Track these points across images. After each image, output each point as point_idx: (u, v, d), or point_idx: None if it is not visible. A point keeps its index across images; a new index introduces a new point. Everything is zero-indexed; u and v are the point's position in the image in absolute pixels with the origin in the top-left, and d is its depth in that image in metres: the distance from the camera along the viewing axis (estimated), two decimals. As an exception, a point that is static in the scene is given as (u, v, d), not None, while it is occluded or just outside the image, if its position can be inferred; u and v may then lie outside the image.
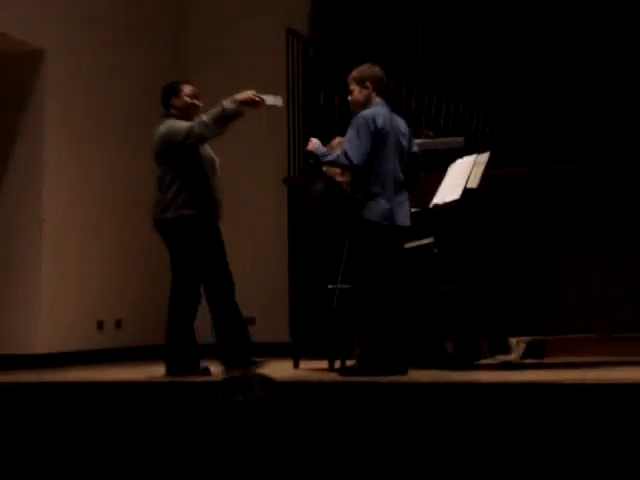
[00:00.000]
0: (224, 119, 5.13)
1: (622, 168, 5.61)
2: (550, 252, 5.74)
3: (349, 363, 5.44)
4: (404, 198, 5.27)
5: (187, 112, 5.33)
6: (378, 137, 5.13)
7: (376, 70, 5.35)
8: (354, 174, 5.26)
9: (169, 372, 5.36)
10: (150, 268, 8.12)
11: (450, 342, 5.70)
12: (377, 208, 5.12)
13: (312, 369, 5.76)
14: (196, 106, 5.36)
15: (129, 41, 7.96)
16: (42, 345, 6.84)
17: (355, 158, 5.10)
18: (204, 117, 5.15)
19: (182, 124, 5.23)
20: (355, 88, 5.30)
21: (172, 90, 5.40)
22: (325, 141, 5.58)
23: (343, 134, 5.41)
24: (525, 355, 5.63)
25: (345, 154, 5.12)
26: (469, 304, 5.59)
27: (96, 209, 7.51)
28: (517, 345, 5.60)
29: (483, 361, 5.72)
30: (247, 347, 5.35)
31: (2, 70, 7.03)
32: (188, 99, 5.35)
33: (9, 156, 6.99)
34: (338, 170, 5.75)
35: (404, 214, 5.24)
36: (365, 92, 5.27)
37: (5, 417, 4.56)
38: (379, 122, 5.14)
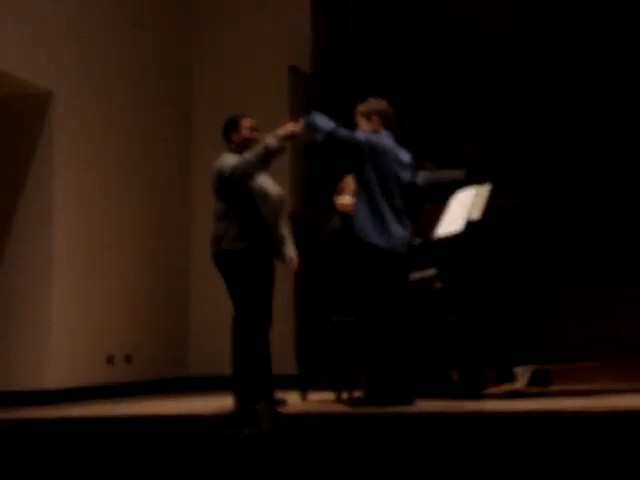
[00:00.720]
0: (267, 155, 5.30)
1: (623, 198, 5.68)
2: (552, 283, 5.80)
3: (356, 394, 5.49)
4: (404, 226, 5.35)
5: (247, 146, 5.46)
6: (377, 156, 5.24)
7: (383, 104, 5.48)
8: (358, 199, 5.32)
9: (240, 402, 5.34)
10: (159, 302, 8.20)
11: (456, 372, 5.74)
12: (377, 234, 5.21)
13: (320, 400, 5.80)
14: (255, 139, 5.49)
15: (139, 80, 8.08)
16: (53, 380, 6.88)
17: (361, 136, 5.23)
18: (248, 155, 5.30)
19: (230, 160, 5.37)
20: (362, 122, 5.44)
21: (232, 125, 5.55)
22: (330, 179, 5.64)
23: (347, 171, 5.50)
24: (530, 383, 5.67)
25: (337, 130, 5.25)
26: (473, 334, 5.64)
27: (105, 247, 7.58)
28: (522, 374, 5.64)
29: (489, 390, 5.75)
30: (269, 386, 5.38)
31: (11, 112, 7.12)
32: (247, 133, 5.50)
33: (20, 196, 7.07)
34: (351, 202, 5.82)
35: (403, 242, 5.31)
36: (372, 125, 5.40)
37: (23, 454, 4.60)
38: (382, 145, 5.29)
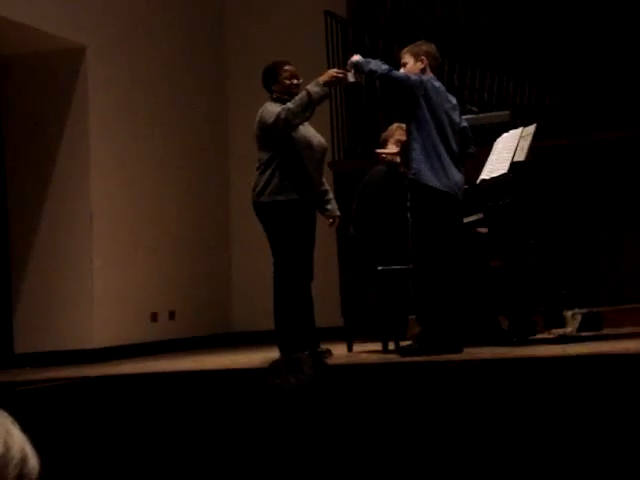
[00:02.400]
0: (311, 103, 5.22)
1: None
2: (602, 224, 5.66)
3: (403, 344, 5.41)
4: (460, 170, 5.24)
5: (289, 93, 5.39)
6: (429, 96, 5.13)
7: (432, 47, 5.40)
8: (412, 141, 5.22)
9: (284, 353, 5.33)
10: (202, 259, 8.17)
11: (504, 318, 5.63)
12: (434, 176, 5.11)
13: (366, 351, 5.74)
14: (297, 85, 5.42)
15: (171, 29, 7.98)
16: (98, 339, 6.90)
17: (414, 77, 5.12)
18: (290, 104, 5.22)
19: (273, 110, 5.28)
20: (410, 60, 5.32)
21: (270, 76, 5.47)
22: (369, 122, 5.55)
23: (386, 115, 5.39)
24: (581, 328, 5.55)
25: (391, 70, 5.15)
26: (521, 279, 5.52)
27: (147, 202, 7.55)
28: (572, 318, 5.52)
29: (539, 336, 5.65)
30: (312, 338, 5.38)
31: (44, 68, 7.07)
32: (287, 81, 5.42)
33: (56, 154, 7.04)
34: (396, 150, 5.75)
35: (459, 186, 5.21)
36: (420, 65, 5.29)
37: (73, 411, 4.61)
38: (435, 85, 5.19)
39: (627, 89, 7.24)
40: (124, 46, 7.42)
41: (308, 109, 5.23)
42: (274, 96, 5.44)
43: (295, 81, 5.43)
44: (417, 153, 5.17)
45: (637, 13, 7.31)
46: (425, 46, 5.37)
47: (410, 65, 5.30)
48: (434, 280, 5.08)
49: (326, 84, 5.22)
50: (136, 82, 7.55)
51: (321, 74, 5.28)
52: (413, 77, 5.20)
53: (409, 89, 5.17)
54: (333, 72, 5.26)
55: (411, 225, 5.25)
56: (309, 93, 5.18)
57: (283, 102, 5.38)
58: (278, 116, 5.20)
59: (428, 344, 5.04)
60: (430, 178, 5.12)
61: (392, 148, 5.85)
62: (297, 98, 5.21)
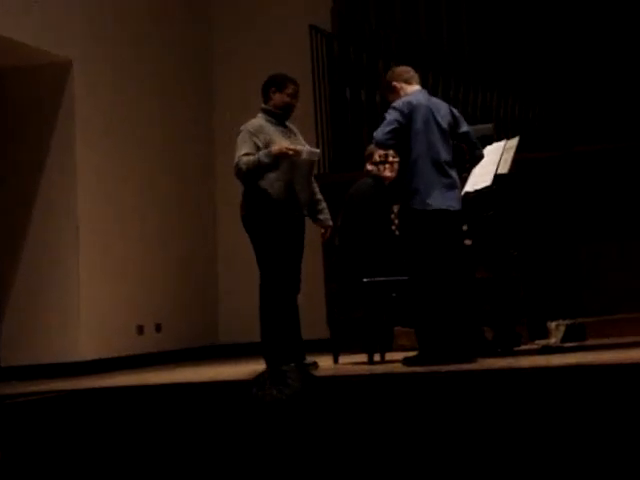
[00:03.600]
0: (259, 168, 5.33)
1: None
2: (585, 235, 5.70)
3: (389, 356, 5.44)
4: (451, 181, 5.25)
5: (284, 110, 5.50)
6: (412, 118, 5.17)
7: (396, 69, 5.48)
8: (401, 165, 5.28)
9: (270, 365, 5.36)
10: (188, 270, 8.18)
11: (489, 329, 5.66)
12: (417, 195, 5.15)
13: (352, 363, 5.76)
14: (294, 106, 5.52)
15: (157, 44, 8.01)
16: (85, 352, 6.90)
17: (376, 133, 5.22)
18: (243, 161, 5.32)
19: (240, 143, 5.38)
20: (389, 95, 5.43)
21: (279, 83, 5.52)
22: (354, 136, 5.60)
23: (370, 128, 5.43)
24: (565, 339, 5.59)
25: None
26: (506, 290, 5.56)
27: (132, 215, 7.56)
28: (556, 329, 5.55)
29: (523, 347, 5.68)
30: (298, 350, 5.43)
31: (31, 82, 7.08)
32: (288, 98, 5.49)
33: (42, 167, 7.05)
34: (387, 166, 5.83)
35: (449, 197, 5.22)
36: (396, 93, 5.36)
37: (60, 424, 4.61)
38: (413, 104, 5.20)
39: (608, 103, 7.31)
40: (110, 60, 7.44)
41: (254, 172, 5.32)
42: (267, 106, 5.49)
43: (295, 101, 5.52)
44: (407, 177, 5.20)
45: (617, 28, 7.38)
46: (389, 75, 5.45)
47: (390, 98, 5.39)
48: (432, 293, 5.11)
49: (275, 157, 5.30)
50: (122, 96, 7.56)
51: (275, 145, 5.34)
52: (391, 119, 5.19)
53: (400, 130, 5.18)
54: (285, 147, 5.31)
55: (406, 245, 5.29)
56: (259, 160, 5.30)
57: (272, 116, 5.46)
58: (236, 163, 5.35)
59: (432, 354, 5.06)
60: (419, 201, 5.15)
61: (378, 162, 5.91)
62: (251, 158, 5.31)
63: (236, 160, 5.36)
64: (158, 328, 7.70)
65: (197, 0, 8.69)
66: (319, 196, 5.69)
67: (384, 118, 5.28)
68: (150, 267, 7.71)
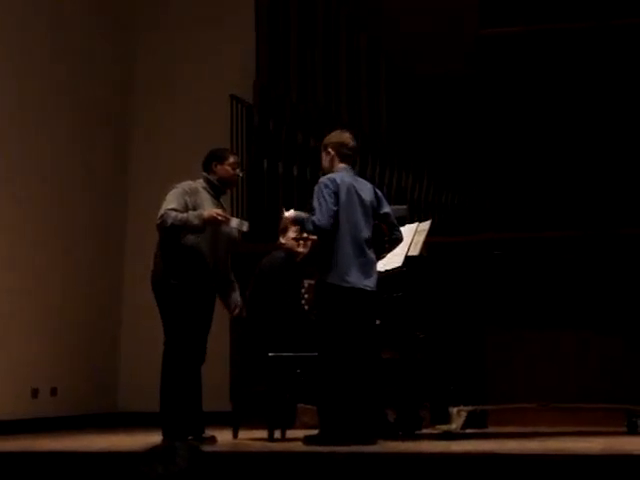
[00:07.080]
0: (184, 227, 5.31)
1: (573, 238, 5.67)
2: (491, 322, 5.75)
3: (291, 433, 5.36)
4: (369, 260, 5.22)
5: (228, 182, 5.57)
6: (337, 198, 5.14)
7: (342, 135, 5.40)
8: (319, 238, 5.25)
9: (166, 437, 5.20)
10: (87, 334, 7.96)
11: (391, 411, 5.63)
12: (335, 271, 5.11)
13: (251, 439, 5.66)
14: (238, 176, 5.59)
15: (68, 109, 7.87)
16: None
17: (319, 220, 5.12)
18: (173, 214, 5.27)
19: (171, 198, 5.33)
20: (322, 155, 5.40)
21: (218, 157, 5.54)
22: (269, 207, 5.58)
23: (286, 201, 5.42)
24: (466, 425, 5.58)
25: (312, 221, 5.16)
26: (411, 372, 5.55)
27: (26, 272, 7.27)
28: (458, 415, 5.55)
29: (424, 431, 5.66)
30: (198, 422, 5.34)
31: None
32: (231, 170, 5.52)
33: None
34: (301, 242, 5.82)
35: (366, 276, 5.18)
36: (328, 158, 5.33)
37: None
38: (337, 182, 5.17)
39: (521, 191, 7.45)
40: (15, 133, 7.22)
41: (178, 229, 5.30)
42: (210, 178, 5.48)
43: (238, 172, 5.57)
44: (327, 254, 5.17)
45: (531, 121, 7.56)
46: (333, 136, 5.39)
47: (322, 159, 5.39)
48: (338, 371, 5.06)
49: (206, 220, 5.30)
50: (30, 165, 7.38)
51: (206, 211, 5.33)
52: (318, 220, 5.12)
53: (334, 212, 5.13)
54: (215, 213, 5.32)
55: (318, 319, 5.24)
56: (188, 219, 5.27)
57: (211, 187, 5.47)
58: (162, 216, 5.29)
59: (334, 434, 4.98)
60: (337, 276, 5.12)
61: (292, 235, 5.87)
62: (180, 215, 5.28)
63: (162, 212, 5.30)
64: (54, 392, 7.45)
65: (116, 63, 8.61)
66: (232, 278, 5.67)
67: (313, 191, 5.22)
68: (45, 329, 7.43)
